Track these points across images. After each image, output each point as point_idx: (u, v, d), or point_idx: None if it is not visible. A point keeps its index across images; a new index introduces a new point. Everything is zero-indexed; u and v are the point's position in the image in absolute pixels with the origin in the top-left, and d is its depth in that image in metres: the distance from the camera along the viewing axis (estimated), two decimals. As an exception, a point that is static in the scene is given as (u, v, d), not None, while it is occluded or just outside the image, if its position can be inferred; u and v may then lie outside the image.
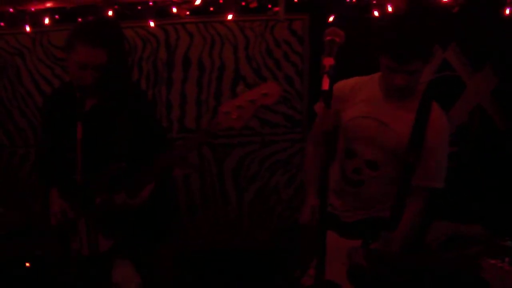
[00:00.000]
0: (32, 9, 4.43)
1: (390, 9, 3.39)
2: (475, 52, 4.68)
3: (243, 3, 4.66)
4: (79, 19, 4.75)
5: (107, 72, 3.06)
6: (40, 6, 4.41)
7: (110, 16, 4.46)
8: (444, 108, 4.66)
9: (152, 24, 4.56)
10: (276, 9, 4.66)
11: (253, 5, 4.61)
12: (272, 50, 4.86)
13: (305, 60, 4.85)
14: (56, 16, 4.68)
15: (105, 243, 3.21)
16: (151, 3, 4.62)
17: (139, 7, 4.66)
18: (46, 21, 4.47)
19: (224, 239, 4.98)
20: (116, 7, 4.58)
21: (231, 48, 4.86)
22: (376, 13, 4.11)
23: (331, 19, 4.37)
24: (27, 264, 4.75)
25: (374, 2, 4.41)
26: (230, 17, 4.53)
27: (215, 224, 4.97)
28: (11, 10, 4.37)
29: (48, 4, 4.43)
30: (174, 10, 4.60)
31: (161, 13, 4.66)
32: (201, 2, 4.32)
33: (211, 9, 4.69)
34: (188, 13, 4.70)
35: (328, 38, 2.35)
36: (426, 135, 2.91)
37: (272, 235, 4.91)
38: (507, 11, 4.18)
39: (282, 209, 4.98)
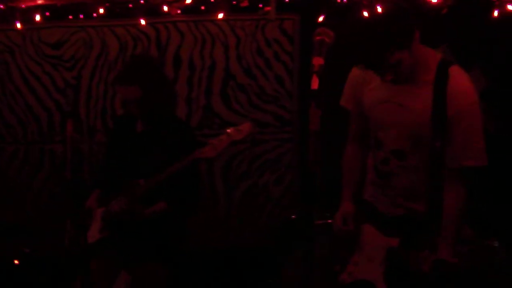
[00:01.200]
0: (23, 6, 4.41)
1: (379, 9, 3.40)
2: (465, 54, 4.70)
3: (234, 2, 4.68)
4: (70, 17, 4.76)
5: (148, 103, 3.45)
6: (31, 3, 4.40)
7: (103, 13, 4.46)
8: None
9: (143, 22, 4.55)
10: (267, 8, 4.67)
11: (244, 4, 4.62)
12: (263, 49, 4.87)
13: (295, 59, 4.86)
14: (47, 13, 4.67)
15: (94, 236, 3.48)
16: (142, 1, 4.62)
17: (130, 5, 4.67)
18: (37, 18, 4.46)
19: (213, 238, 4.98)
20: (107, 4, 4.58)
21: (221, 47, 4.87)
22: (365, 13, 4.13)
23: (320, 19, 4.37)
24: (16, 262, 4.75)
25: (365, 2, 4.43)
26: (220, 16, 4.53)
27: (204, 222, 4.96)
28: (1, 6, 4.36)
29: (39, 1, 4.42)
30: (165, 8, 4.60)
31: (152, 11, 4.66)
32: (192, 1, 4.31)
33: (202, 8, 4.70)
34: (179, 11, 4.71)
35: (318, 38, 2.35)
36: (447, 108, 2.64)
37: (261, 234, 4.92)
38: (496, 13, 4.19)
39: (271, 208, 4.98)
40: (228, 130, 3.41)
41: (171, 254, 3.60)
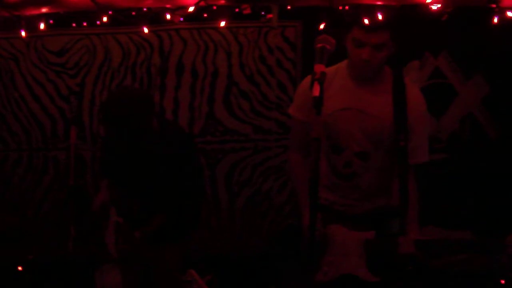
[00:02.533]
0: (27, 14, 4.43)
1: (380, 17, 3.42)
2: (466, 60, 4.72)
3: (237, 10, 4.68)
4: (73, 24, 4.78)
5: (137, 131, 3.50)
6: (35, 12, 4.42)
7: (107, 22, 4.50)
8: (435, 115, 4.77)
9: (146, 30, 4.57)
10: (269, 16, 4.69)
11: (247, 11, 4.63)
12: (265, 56, 4.89)
13: (298, 66, 4.88)
14: (51, 21, 4.69)
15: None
16: (145, 9, 4.64)
17: (133, 13, 4.68)
18: (42, 26, 4.48)
19: (216, 245, 4.99)
20: (110, 12, 4.60)
21: (224, 55, 4.89)
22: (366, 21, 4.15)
23: (321, 26, 4.38)
24: (20, 268, 4.76)
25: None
26: (223, 23, 4.54)
27: (207, 229, 4.98)
28: (6, 14, 4.38)
29: (43, 10, 4.43)
30: (168, 16, 4.61)
31: (155, 19, 4.67)
32: (194, 9, 4.33)
33: (205, 15, 4.71)
34: (182, 19, 4.72)
35: (319, 45, 2.38)
36: (407, 114, 2.96)
37: (264, 241, 4.92)
38: (495, 20, 4.20)
39: (274, 215, 4.99)
40: None
41: (186, 235, 3.73)
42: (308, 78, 2.99)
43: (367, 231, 2.98)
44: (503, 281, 4.10)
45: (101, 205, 3.60)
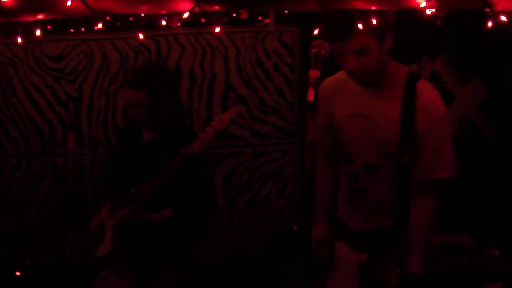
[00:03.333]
0: (24, 21, 4.44)
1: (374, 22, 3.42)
2: (463, 64, 4.74)
3: (234, 15, 4.70)
4: (71, 30, 4.80)
5: (154, 110, 3.48)
6: (32, 18, 4.43)
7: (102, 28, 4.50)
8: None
9: (141, 36, 4.58)
10: (266, 21, 4.70)
11: (244, 16, 4.64)
12: (263, 61, 4.90)
13: (295, 71, 4.89)
14: (48, 27, 4.70)
15: (105, 248, 3.50)
16: (142, 15, 4.65)
17: (131, 18, 4.69)
18: (38, 32, 4.48)
19: (215, 249, 4.98)
20: (108, 18, 4.61)
21: (221, 59, 4.90)
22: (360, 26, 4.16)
23: (316, 31, 4.39)
24: (18, 273, 4.76)
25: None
26: (217, 29, 4.54)
27: (206, 234, 4.98)
28: (2, 21, 4.39)
29: (40, 16, 4.44)
30: (165, 22, 4.62)
31: (152, 24, 4.69)
32: (189, 14, 4.34)
33: (202, 20, 4.73)
34: (179, 24, 4.73)
35: (314, 50, 2.37)
36: (416, 122, 2.67)
37: (263, 245, 4.93)
38: (490, 24, 4.22)
39: (273, 219, 4.99)
40: (212, 121, 3.35)
41: (187, 259, 3.65)
42: (327, 83, 2.95)
43: (363, 253, 2.84)
44: (501, 285, 4.09)
45: (99, 225, 3.57)
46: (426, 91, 2.74)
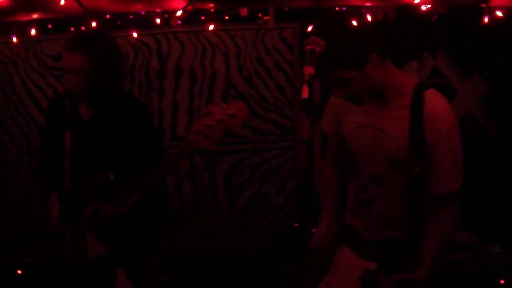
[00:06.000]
0: (19, 20, 4.45)
1: (370, 17, 3.42)
2: (464, 59, 4.73)
3: (234, 12, 4.70)
4: (72, 29, 4.80)
5: (94, 79, 3.09)
6: (26, 17, 4.44)
7: (97, 26, 4.47)
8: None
9: (135, 34, 4.58)
10: (266, 18, 4.71)
11: (244, 14, 4.64)
12: (263, 58, 4.91)
13: (296, 68, 4.90)
14: (49, 26, 4.71)
15: (97, 249, 3.24)
16: (142, 13, 4.65)
17: (131, 17, 4.70)
18: (33, 32, 4.49)
19: (215, 246, 4.99)
20: (108, 16, 4.61)
21: (222, 57, 4.90)
22: (354, 23, 4.17)
23: (309, 28, 4.39)
24: (19, 272, 4.77)
25: (363, 10, 4.45)
26: (211, 27, 4.54)
27: (206, 231, 4.98)
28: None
29: (34, 16, 4.45)
30: (165, 19, 4.63)
31: (152, 22, 4.69)
32: (182, 13, 4.34)
33: (202, 18, 4.73)
34: (179, 22, 4.74)
35: (308, 47, 2.37)
36: (425, 134, 2.59)
37: (263, 242, 4.93)
38: (486, 20, 4.21)
39: (273, 217, 4.99)
40: (215, 113, 2.88)
41: (159, 241, 3.49)
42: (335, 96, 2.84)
43: (370, 261, 2.77)
44: (502, 281, 4.09)
45: (60, 219, 3.31)
46: (434, 99, 2.65)
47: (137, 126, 3.22)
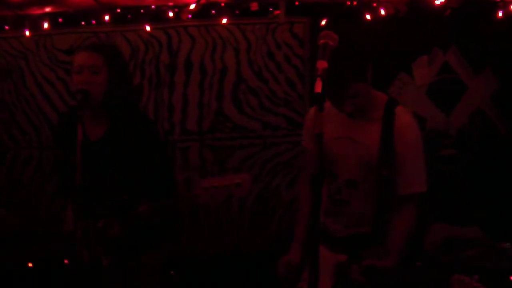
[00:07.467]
0: (32, 14, 4.46)
1: (382, 11, 3.40)
2: (475, 55, 4.70)
3: (245, 6, 4.70)
4: (82, 23, 4.80)
5: (111, 83, 3.07)
6: (39, 11, 4.45)
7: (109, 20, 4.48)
8: (445, 110, 4.75)
9: (148, 28, 4.58)
10: (277, 12, 4.70)
11: (254, 8, 4.63)
12: (274, 52, 4.90)
13: (306, 62, 4.89)
14: (60, 19, 4.72)
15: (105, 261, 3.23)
16: (153, 7, 4.65)
17: (142, 11, 4.70)
18: (45, 25, 4.50)
19: (225, 242, 4.99)
20: (118, 10, 4.62)
21: (232, 51, 4.90)
22: (368, 17, 4.15)
23: (323, 22, 4.38)
24: (30, 265, 4.77)
25: (374, 4, 4.44)
26: (225, 21, 4.53)
27: (216, 226, 4.98)
28: (11, 14, 4.41)
29: (47, 9, 4.46)
30: (176, 14, 4.63)
31: (163, 16, 4.69)
32: (196, 6, 4.34)
33: (213, 12, 4.73)
34: (190, 16, 4.74)
35: (321, 41, 2.36)
36: (394, 144, 2.89)
37: (273, 238, 4.93)
38: (500, 14, 4.18)
39: (283, 212, 4.99)
40: (223, 178, 3.07)
41: (162, 242, 3.45)
42: (312, 109, 3.09)
43: (341, 254, 2.97)
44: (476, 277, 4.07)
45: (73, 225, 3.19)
46: (404, 115, 2.95)
47: (149, 147, 3.19)
